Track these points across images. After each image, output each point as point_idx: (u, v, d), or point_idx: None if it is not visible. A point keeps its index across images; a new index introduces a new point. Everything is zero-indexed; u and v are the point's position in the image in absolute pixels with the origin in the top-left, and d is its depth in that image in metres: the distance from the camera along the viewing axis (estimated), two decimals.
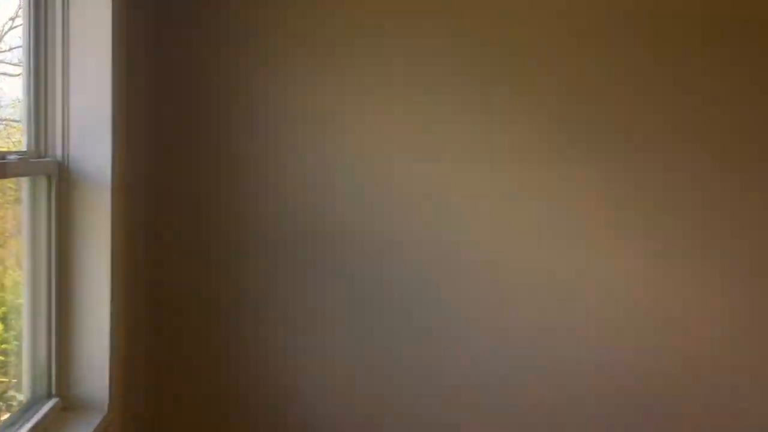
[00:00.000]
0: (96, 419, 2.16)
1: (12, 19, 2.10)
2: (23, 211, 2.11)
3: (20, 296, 2.13)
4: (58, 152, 2.17)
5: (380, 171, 2.65)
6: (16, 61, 2.14)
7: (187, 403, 2.71)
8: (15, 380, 2.16)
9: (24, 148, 2.09)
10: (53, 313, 2.16)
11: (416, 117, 2.64)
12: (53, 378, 2.19)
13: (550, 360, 2.68)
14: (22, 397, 2.14)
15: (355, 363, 2.69)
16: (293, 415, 2.70)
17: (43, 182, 2.13)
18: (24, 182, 2.09)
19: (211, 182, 2.66)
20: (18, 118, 2.16)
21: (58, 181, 2.16)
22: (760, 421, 2.70)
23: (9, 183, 2.07)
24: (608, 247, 2.66)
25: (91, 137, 2.17)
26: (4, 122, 2.19)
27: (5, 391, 2.13)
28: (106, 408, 2.22)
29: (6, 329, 2.17)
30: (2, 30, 2.10)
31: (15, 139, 2.19)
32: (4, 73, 2.16)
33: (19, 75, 2.11)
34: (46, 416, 2.05)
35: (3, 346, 2.17)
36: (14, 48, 2.13)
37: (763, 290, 2.68)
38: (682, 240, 2.66)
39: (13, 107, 2.16)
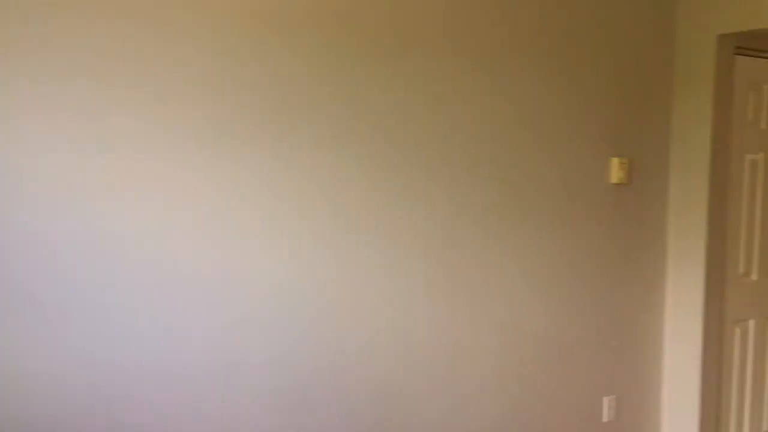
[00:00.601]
0: None
1: None
2: None
3: None
4: None
5: (45, 162, 2.34)
6: None
7: None
8: None
9: None
10: None
11: (86, 108, 2.39)
12: None
13: (233, 351, 2.66)
14: None
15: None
16: None
17: None
18: None
19: None
20: None
21: None
22: (375, 393, 2.93)
23: None
24: (271, 241, 2.71)
25: None
26: None
27: None
28: None
29: None
30: None
31: None
32: None
33: None
34: None
35: None
36: None
37: (407, 278, 2.95)
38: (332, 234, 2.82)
39: None
